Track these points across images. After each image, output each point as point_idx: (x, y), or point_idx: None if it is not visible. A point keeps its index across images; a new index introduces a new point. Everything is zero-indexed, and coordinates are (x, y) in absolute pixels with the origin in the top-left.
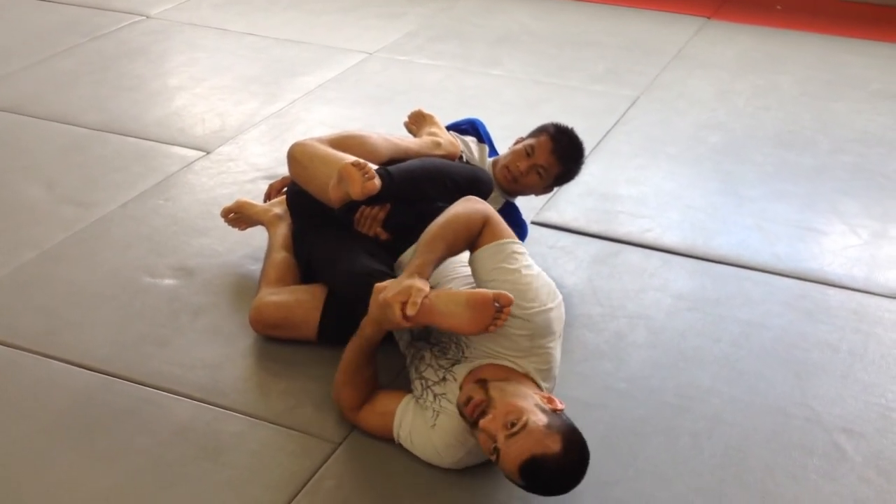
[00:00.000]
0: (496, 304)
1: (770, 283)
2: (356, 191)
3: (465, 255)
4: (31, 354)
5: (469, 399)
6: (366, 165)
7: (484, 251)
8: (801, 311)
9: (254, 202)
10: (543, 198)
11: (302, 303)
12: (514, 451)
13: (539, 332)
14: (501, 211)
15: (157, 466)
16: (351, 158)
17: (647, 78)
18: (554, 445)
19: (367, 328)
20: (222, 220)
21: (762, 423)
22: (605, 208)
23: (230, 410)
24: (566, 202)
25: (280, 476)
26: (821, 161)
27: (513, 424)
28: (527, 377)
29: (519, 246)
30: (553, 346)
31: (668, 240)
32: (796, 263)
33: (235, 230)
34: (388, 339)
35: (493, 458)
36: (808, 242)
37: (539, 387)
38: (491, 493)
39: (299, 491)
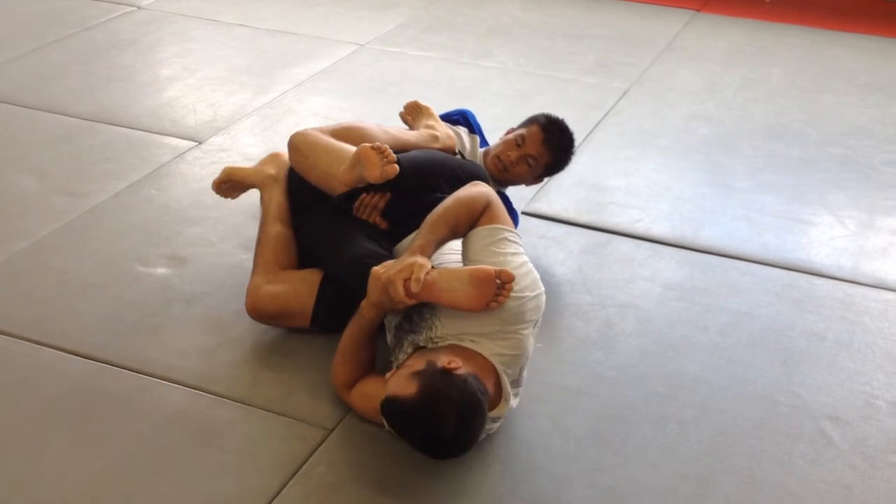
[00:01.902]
0: (497, 281)
1: (758, 273)
2: (375, 174)
3: (455, 241)
4: (23, 342)
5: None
6: (386, 149)
7: (477, 231)
8: (788, 301)
9: (242, 166)
10: (534, 188)
11: (298, 293)
12: (382, 395)
13: (510, 317)
14: None
15: (150, 451)
16: (354, 148)
17: (637, 70)
18: (409, 389)
19: (366, 311)
20: (214, 192)
21: (749, 411)
22: (596, 199)
23: (223, 397)
24: (556, 192)
25: (273, 461)
26: (809, 153)
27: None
28: (484, 360)
29: (512, 234)
30: (525, 334)
31: (658, 230)
32: (784, 254)
33: (227, 222)
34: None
35: None
36: (795, 233)
37: (496, 372)
38: (480, 480)
39: (292, 476)
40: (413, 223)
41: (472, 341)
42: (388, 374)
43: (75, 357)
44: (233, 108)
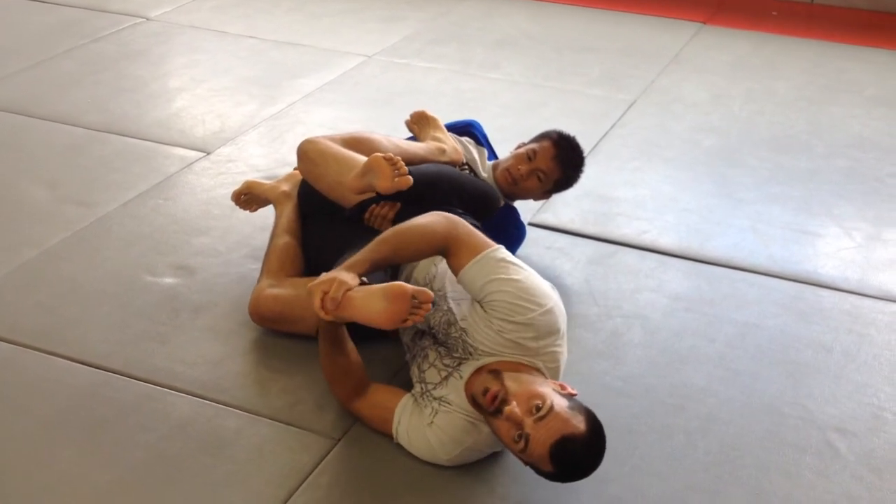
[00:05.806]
0: (414, 300)
1: (764, 285)
2: (386, 185)
3: None
4: (32, 351)
5: (486, 390)
6: (398, 161)
7: (469, 270)
8: (795, 313)
9: (261, 181)
10: (541, 200)
11: (301, 297)
12: (544, 434)
13: (543, 332)
14: (500, 213)
15: (157, 461)
16: (364, 158)
17: (643, 82)
18: (580, 425)
19: (320, 322)
20: (234, 203)
21: (756, 422)
22: (602, 210)
23: (230, 407)
24: (563, 204)
25: (280, 471)
26: (815, 165)
27: (538, 409)
28: (538, 371)
29: (501, 251)
30: (560, 346)
31: (664, 241)
32: (791, 265)
33: (235, 232)
34: (383, 337)
35: (520, 445)
36: (802, 245)
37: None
38: (488, 489)
39: (299, 485)
40: None
41: (518, 359)
42: (509, 408)
43: (83, 366)
44: (241, 118)
